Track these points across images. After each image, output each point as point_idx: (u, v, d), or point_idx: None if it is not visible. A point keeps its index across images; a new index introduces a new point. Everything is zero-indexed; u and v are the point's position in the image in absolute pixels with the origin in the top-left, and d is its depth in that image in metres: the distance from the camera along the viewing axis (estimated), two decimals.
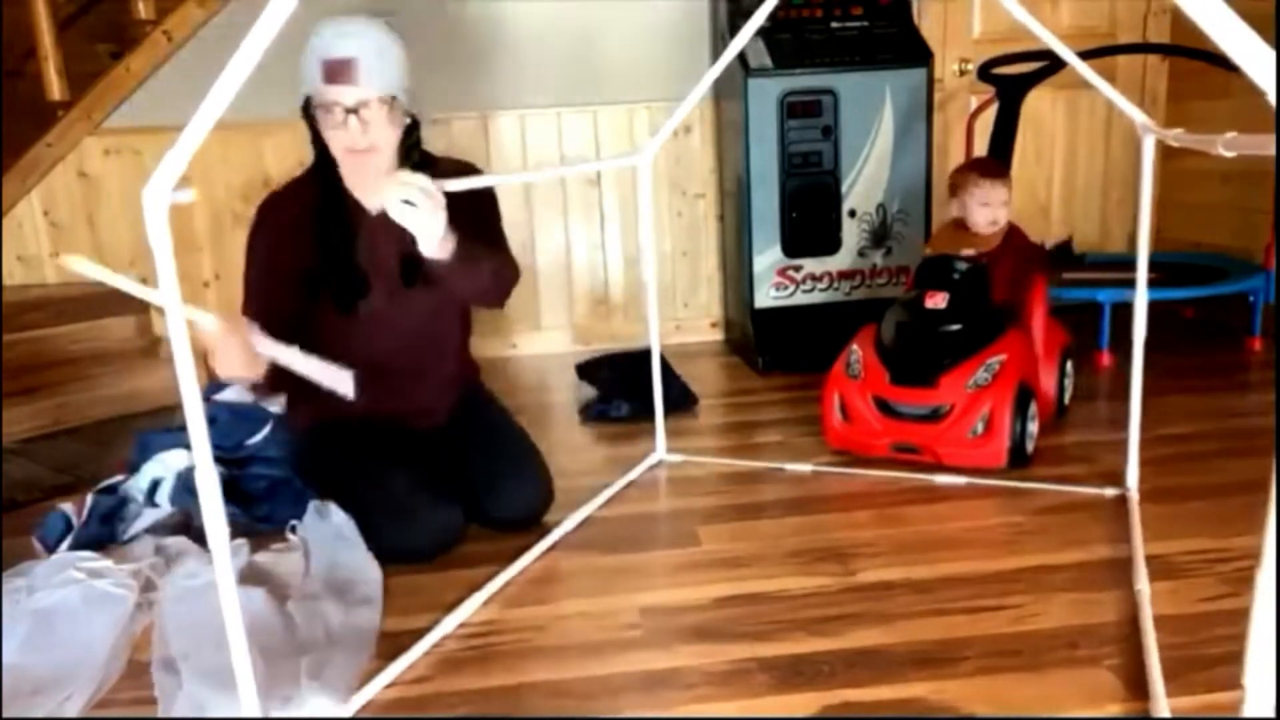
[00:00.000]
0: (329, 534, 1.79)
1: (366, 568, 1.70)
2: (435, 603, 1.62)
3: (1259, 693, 0.80)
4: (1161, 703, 1.23)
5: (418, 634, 1.52)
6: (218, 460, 2.09)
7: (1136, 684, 1.29)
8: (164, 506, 1.99)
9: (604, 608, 1.60)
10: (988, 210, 2.38)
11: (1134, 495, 1.91)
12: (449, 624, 1.55)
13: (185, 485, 2.00)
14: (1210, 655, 1.36)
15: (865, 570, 1.68)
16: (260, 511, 1.98)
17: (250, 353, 1.45)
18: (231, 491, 2.05)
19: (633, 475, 2.21)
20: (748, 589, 1.63)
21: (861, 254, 3.13)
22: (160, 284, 1.12)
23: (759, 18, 1.95)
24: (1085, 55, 2.74)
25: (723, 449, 2.37)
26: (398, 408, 1.96)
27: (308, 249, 1.84)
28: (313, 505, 1.87)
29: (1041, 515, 1.89)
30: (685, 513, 2.00)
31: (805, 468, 2.19)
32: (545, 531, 1.88)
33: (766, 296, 3.11)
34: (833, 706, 1.29)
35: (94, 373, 2.86)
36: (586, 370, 2.91)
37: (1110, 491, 1.95)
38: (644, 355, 2.85)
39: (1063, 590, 1.57)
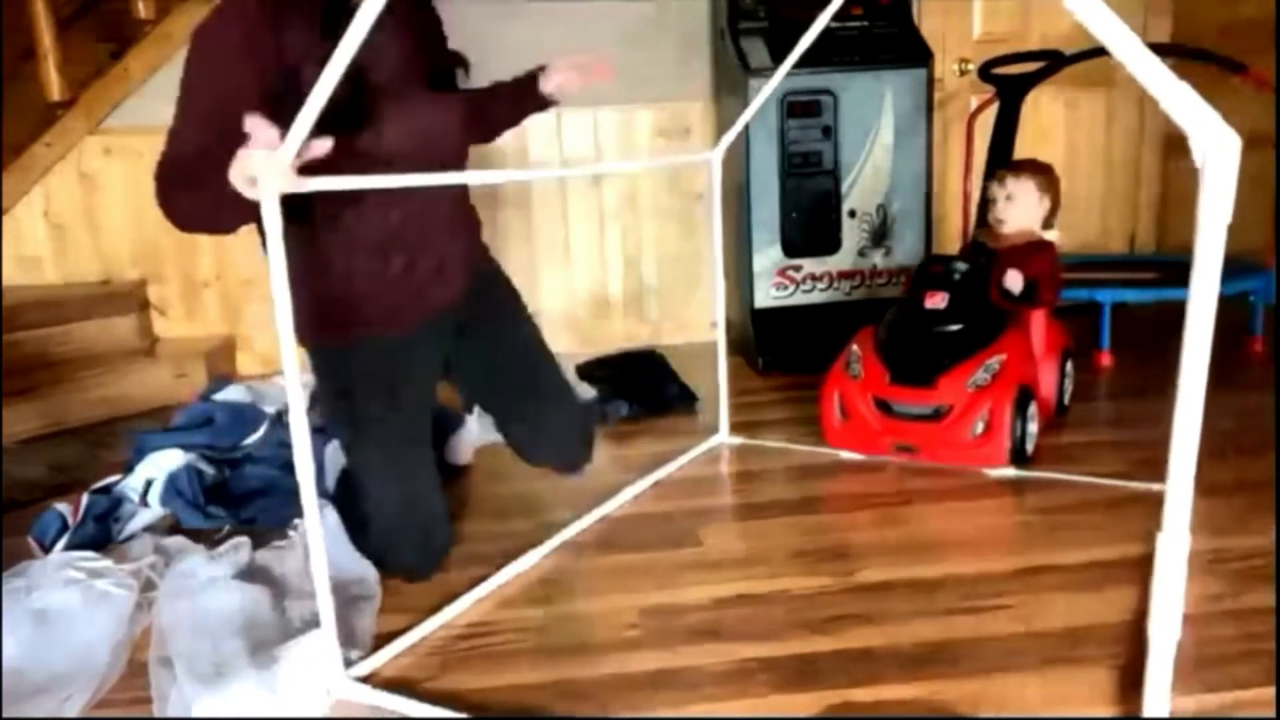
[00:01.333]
0: (328, 533, 1.79)
1: (364, 567, 1.70)
2: (435, 603, 1.62)
3: None
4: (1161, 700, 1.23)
5: (416, 633, 1.52)
6: (211, 460, 2.10)
7: (1139, 684, 1.29)
8: (154, 507, 1.99)
9: (604, 608, 1.60)
10: (994, 206, 2.47)
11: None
12: (449, 622, 1.55)
13: (174, 486, 2.00)
14: (1211, 655, 1.36)
15: (866, 570, 1.68)
16: (247, 513, 1.98)
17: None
18: (219, 493, 2.05)
19: (693, 454, 2.28)
20: (748, 589, 1.63)
21: (861, 254, 3.12)
22: (271, 268, 1.20)
23: (823, 19, 2.03)
24: (1086, 55, 2.75)
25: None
26: (415, 267, 1.70)
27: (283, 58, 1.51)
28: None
29: (1042, 515, 1.89)
30: (686, 513, 2.00)
31: (858, 455, 2.22)
32: (551, 531, 1.88)
33: (766, 296, 3.11)
34: (833, 706, 1.29)
35: (94, 373, 2.86)
36: (586, 371, 2.91)
37: (1157, 487, 1.94)
38: (643, 356, 2.86)
39: (1064, 590, 1.57)
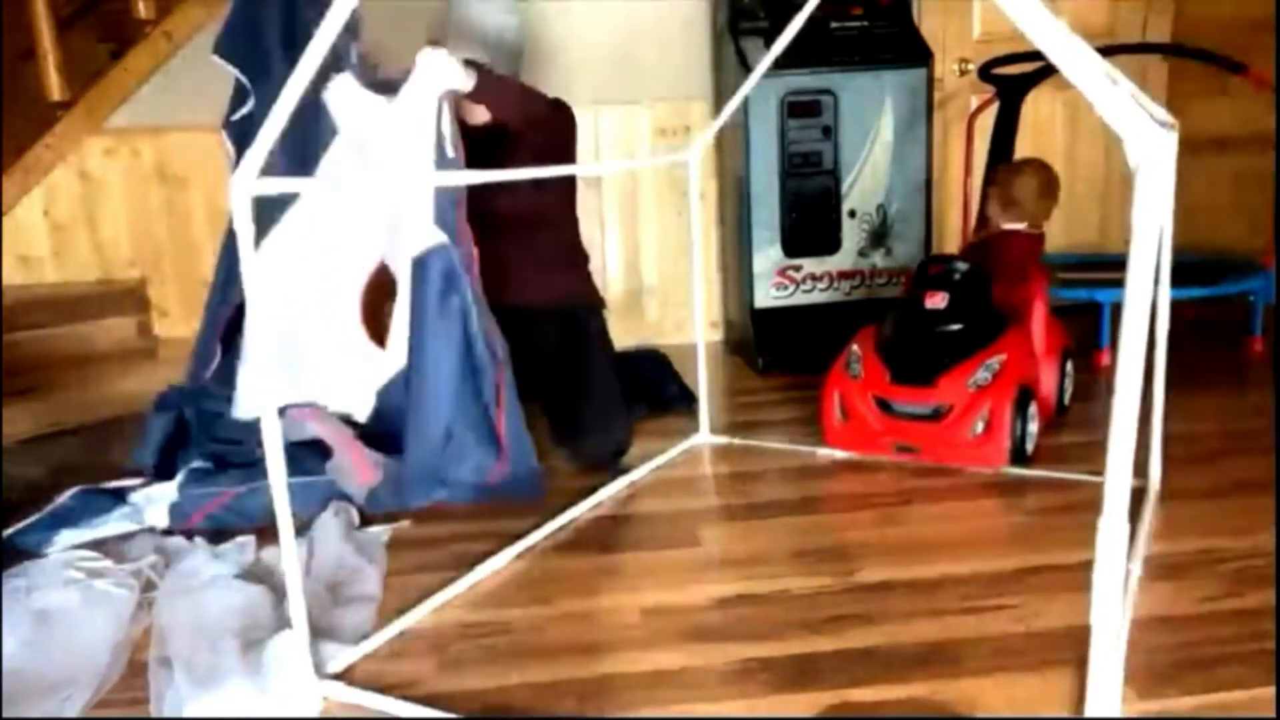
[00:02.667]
0: (338, 532, 1.81)
1: (368, 567, 1.71)
2: (430, 601, 1.62)
3: None
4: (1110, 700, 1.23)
5: (414, 630, 1.52)
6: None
7: (1139, 684, 1.29)
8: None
9: (604, 608, 1.60)
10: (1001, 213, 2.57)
11: (1154, 486, 1.92)
12: (446, 621, 1.55)
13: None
14: (1210, 655, 1.36)
15: (866, 570, 1.68)
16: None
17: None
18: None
19: (672, 454, 2.30)
20: (748, 589, 1.63)
21: (862, 254, 3.12)
22: (243, 273, 1.22)
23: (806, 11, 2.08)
24: None
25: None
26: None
27: None
28: (333, 505, 1.91)
29: (1042, 515, 1.89)
30: (686, 513, 2.00)
31: (844, 454, 2.23)
32: (541, 528, 1.89)
33: (766, 296, 3.11)
34: (833, 706, 1.29)
35: (94, 373, 2.86)
36: None
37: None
38: (644, 355, 2.86)
39: (1064, 589, 1.57)
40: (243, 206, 1.19)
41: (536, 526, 1.89)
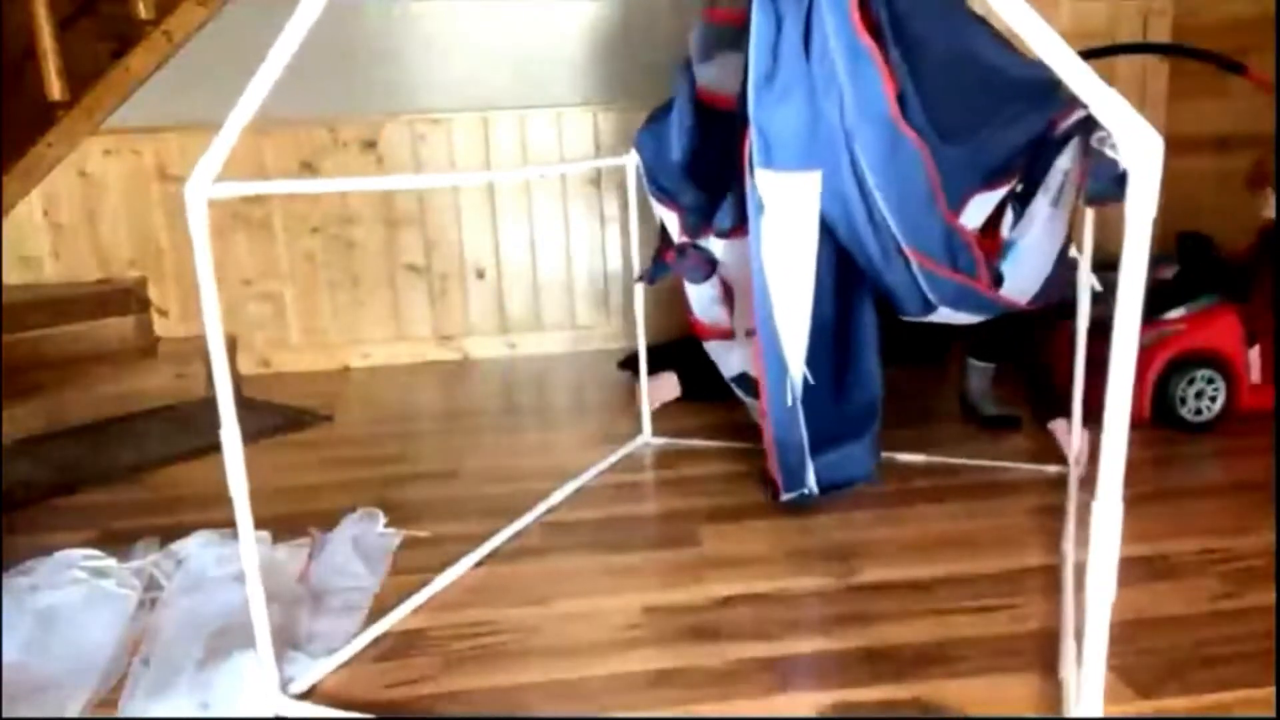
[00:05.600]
0: (349, 538, 1.81)
1: (368, 577, 1.71)
2: (423, 600, 1.62)
3: None
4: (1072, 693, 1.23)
5: (412, 631, 1.53)
6: None
7: (1139, 684, 1.29)
8: None
9: (604, 608, 1.60)
10: None
11: (1074, 470, 1.98)
12: (443, 622, 1.56)
13: None
14: (1210, 655, 1.36)
15: (865, 570, 1.68)
16: None
17: None
18: None
19: (614, 458, 2.29)
20: (748, 589, 1.63)
21: None
22: (199, 275, 1.19)
23: None
24: (1085, 55, 2.75)
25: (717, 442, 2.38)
26: None
27: None
28: (361, 510, 1.93)
29: (1042, 514, 1.89)
30: (685, 512, 2.00)
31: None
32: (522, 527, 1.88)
33: None
34: (832, 706, 1.29)
35: (94, 373, 2.86)
36: (630, 363, 2.96)
37: (1052, 469, 2.05)
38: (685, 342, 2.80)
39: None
40: (198, 211, 1.16)
41: (509, 524, 1.90)
